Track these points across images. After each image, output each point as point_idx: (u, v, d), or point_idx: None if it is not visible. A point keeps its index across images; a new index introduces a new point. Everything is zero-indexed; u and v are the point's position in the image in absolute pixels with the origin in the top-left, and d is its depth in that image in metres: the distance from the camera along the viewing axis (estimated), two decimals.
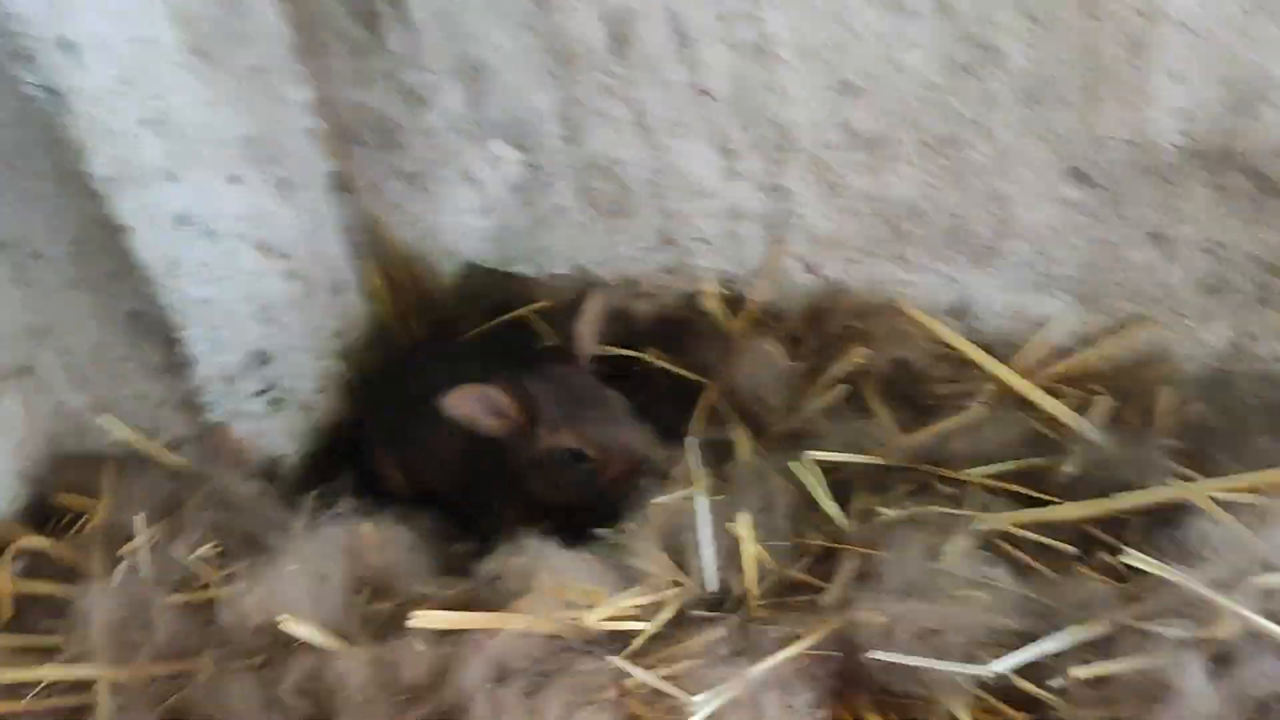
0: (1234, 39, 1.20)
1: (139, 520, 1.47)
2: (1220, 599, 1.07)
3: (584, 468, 1.43)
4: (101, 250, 1.40)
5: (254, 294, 1.59)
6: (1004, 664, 1.11)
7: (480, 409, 1.42)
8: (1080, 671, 1.09)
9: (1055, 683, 1.11)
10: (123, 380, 1.56)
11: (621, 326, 1.71)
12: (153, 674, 1.29)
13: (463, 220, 1.72)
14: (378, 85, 1.60)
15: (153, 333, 1.48)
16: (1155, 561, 1.13)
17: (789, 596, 1.29)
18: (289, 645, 1.23)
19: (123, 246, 1.39)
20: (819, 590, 1.28)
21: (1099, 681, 1.10)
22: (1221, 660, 1.08)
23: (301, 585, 1.26)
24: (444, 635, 1.19)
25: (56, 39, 1.25)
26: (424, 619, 1.17)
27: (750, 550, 1.27)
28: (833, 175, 1.47)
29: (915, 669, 1.12)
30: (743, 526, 1.27)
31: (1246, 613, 1.06)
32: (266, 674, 1.23)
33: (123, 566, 1.41)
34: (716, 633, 1.20)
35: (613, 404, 1.48)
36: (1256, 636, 1.07)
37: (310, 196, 1.68)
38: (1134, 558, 1.14)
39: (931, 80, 1.35)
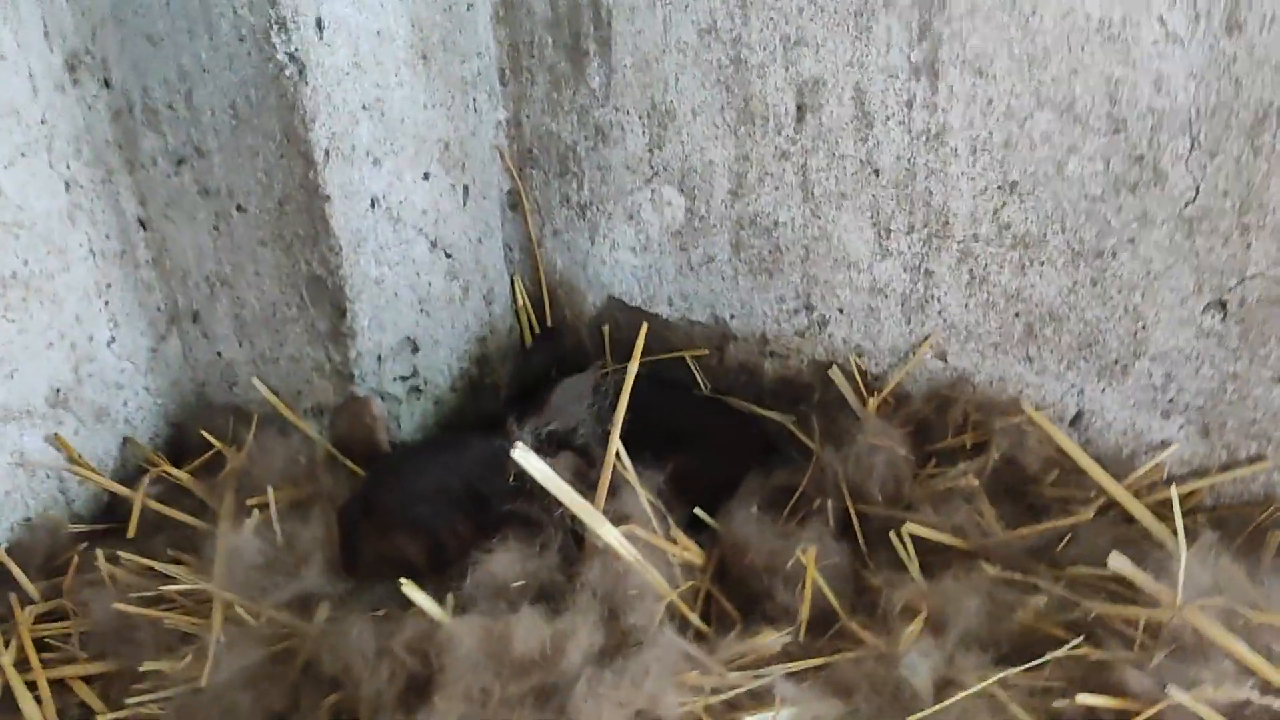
0: None
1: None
2: None
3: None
4: (300, 214, 1.53)
5: (418, 284, 1.70)
6: None
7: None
8: None
9: None
10: (284, 341, 1.67)
11: (749, 380, 1.79)
12: (271, 615, 1.36)
13: (618, 255, 1.82)
14: (569, 117, 1.72)
15: (325, 300, 1.59)
16: None
17: None
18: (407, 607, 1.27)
19: (320, 215, 1.52)
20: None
21: None
22: None
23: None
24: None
25: (316, 17, 1.40)
26: None
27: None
28: (979, 268, 1.55)
29: None
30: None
31: None
32: (383, 626, 1.28)
33: (255, 515, 1.49)
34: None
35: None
36: None
37: (485, 207, 1.80)
38: None
39: (1092, 191, 1.43)
